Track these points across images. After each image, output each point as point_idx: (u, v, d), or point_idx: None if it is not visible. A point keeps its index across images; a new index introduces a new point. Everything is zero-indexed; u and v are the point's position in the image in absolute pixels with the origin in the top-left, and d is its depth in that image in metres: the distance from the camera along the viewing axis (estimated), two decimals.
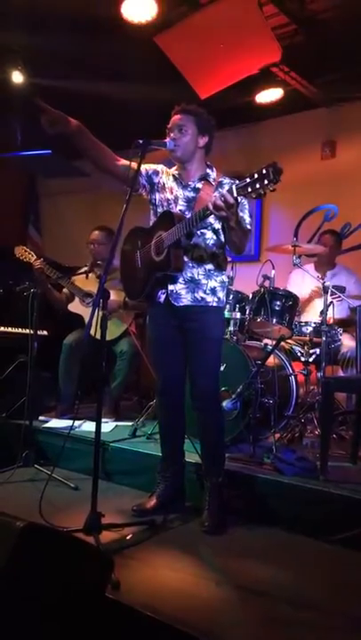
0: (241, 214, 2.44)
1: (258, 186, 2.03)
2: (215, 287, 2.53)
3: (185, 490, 2.72)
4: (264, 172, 2.01)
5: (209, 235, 2.52)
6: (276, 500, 2.59)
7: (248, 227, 2.49)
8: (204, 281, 2.51)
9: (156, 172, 2.66)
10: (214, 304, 2.53)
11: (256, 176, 2.03)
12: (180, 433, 2.71)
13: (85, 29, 3.74)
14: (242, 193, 2.10)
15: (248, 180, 2.06)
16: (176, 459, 2.69)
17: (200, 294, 2.50)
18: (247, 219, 2.50)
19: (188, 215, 2.41)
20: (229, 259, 2.73)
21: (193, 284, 2.50)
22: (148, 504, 2.59)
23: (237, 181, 2.16)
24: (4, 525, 1.48)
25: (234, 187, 2.11)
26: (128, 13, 3.56)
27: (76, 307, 4.00)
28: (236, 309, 3.54)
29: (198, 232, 2.50)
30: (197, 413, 2.57)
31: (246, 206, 2.52)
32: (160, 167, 2.68)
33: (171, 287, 2.51)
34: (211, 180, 2.55)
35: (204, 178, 2.56)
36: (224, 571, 2.08)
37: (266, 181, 2.01)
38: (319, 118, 4.87)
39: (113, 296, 3.65)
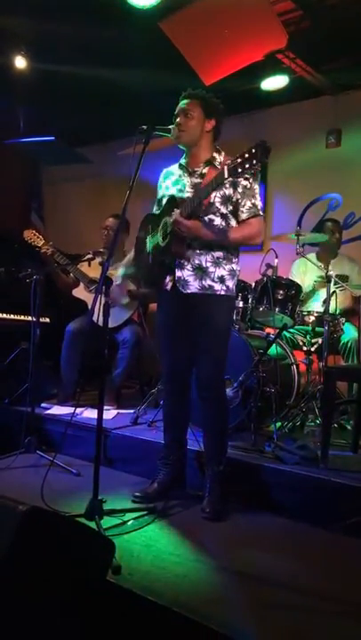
0: (253, 200, 2.50)
1: (247, 166, 2.13)
2: (224, 275, 2.51)
3: (186, 477, 2.73)
4: (253, 151, 2.10)
5: (217, 221, 2.49)
6: (277, 487, 2.60)
7: (260, 213, 2.52)
8: (212, 269, 2.49)
9: (161, 187, 2.72)
10: (222, 292, 2.52)
11: (247, 156, 2.13)
12: (183, 421, 2.71)
13: (90, 14, 3.69)
14: (233, 174, 2.18)
15: (239, 160, 2.14)
16: (178, 446, 2.70)
17: (208, 282, 2.49)
18: (258, 204, 2.52)
19: None
20: None
21: (201, 272, 2.49)
22: (149, 490, 2.60)
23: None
24: (7, 509, 1.49)
25: (226, 168, 2.19)
26: None
27: (79, 292, 4.01)
28: (239, 298, 3.54)
29: (206, 218, 2.48)
30: (201, 401, 2.58)
31: (257, 190, 2.53)
32: (162, 175, 2.73)
33: (178, 274, 2.50)
34: (217, 163, 2.52)
35: (210, 162, 2.54)
36: (224, 557, 2.09)
37: (254, 161, 2.11)
38: (325, 106, 4.82)
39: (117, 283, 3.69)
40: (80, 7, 3.63)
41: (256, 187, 2.53)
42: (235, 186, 2.48)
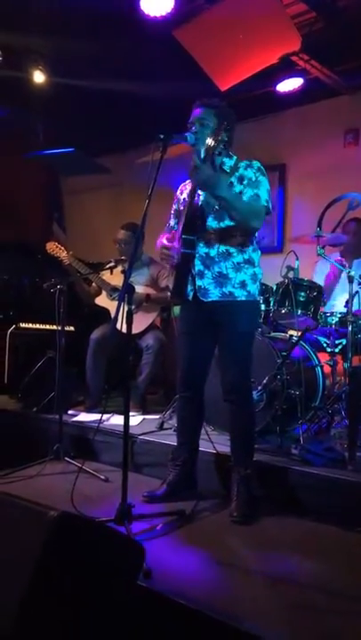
0: (255, 190, 2.49)
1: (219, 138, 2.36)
2: (245, 280, 2.53)
3: (196, 477, 2.74)
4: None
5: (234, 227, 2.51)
6: (305, 490, 2.59)
7: (263, 203, 2.49)
8: (232, 274, 2.51)
9: (178, 200, 2.76)
10: (243, 298, 2.53)
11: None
12: (195, 426, 2.75)
13: (105, 25, 3.76)
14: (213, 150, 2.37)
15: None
16: (188, 449, 2.72)
17: (228, 289, 2.51)
18: (263, 195, 2.50)
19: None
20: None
21: (222, 279, 2.51)
22: (158, 491, 2.64)
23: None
24: (38, 515, 1.52)
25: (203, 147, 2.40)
26: (147, 8, 3.57)
27: (102, 300, 4.06)
28: (261, 301, 3.54)
29: (223, 225, 2.51)
30: (228, 405, 2.59)
31: (263, 184, 2.52)
32: (180, 188, 2.77)
33: (199, 283, 2.53)
34: (226, 168, 2.55)
35: (220, 168, 2.55)
36: (254, 560, 2.10)
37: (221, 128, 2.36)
38: (341, 106, 4.80)
39: (138, 290, 3.72)
40: (95, 20, 3.70)
41: (262, 180, 2.52)
42: (241, 180, 2.51)
